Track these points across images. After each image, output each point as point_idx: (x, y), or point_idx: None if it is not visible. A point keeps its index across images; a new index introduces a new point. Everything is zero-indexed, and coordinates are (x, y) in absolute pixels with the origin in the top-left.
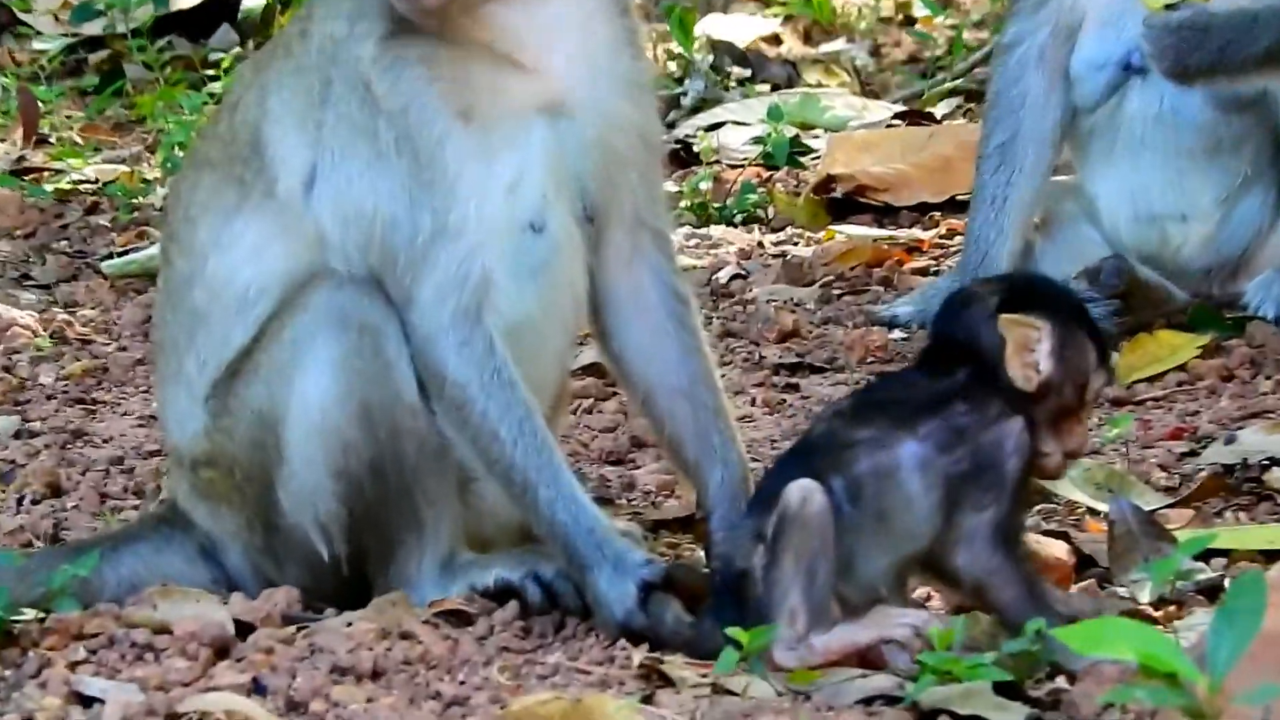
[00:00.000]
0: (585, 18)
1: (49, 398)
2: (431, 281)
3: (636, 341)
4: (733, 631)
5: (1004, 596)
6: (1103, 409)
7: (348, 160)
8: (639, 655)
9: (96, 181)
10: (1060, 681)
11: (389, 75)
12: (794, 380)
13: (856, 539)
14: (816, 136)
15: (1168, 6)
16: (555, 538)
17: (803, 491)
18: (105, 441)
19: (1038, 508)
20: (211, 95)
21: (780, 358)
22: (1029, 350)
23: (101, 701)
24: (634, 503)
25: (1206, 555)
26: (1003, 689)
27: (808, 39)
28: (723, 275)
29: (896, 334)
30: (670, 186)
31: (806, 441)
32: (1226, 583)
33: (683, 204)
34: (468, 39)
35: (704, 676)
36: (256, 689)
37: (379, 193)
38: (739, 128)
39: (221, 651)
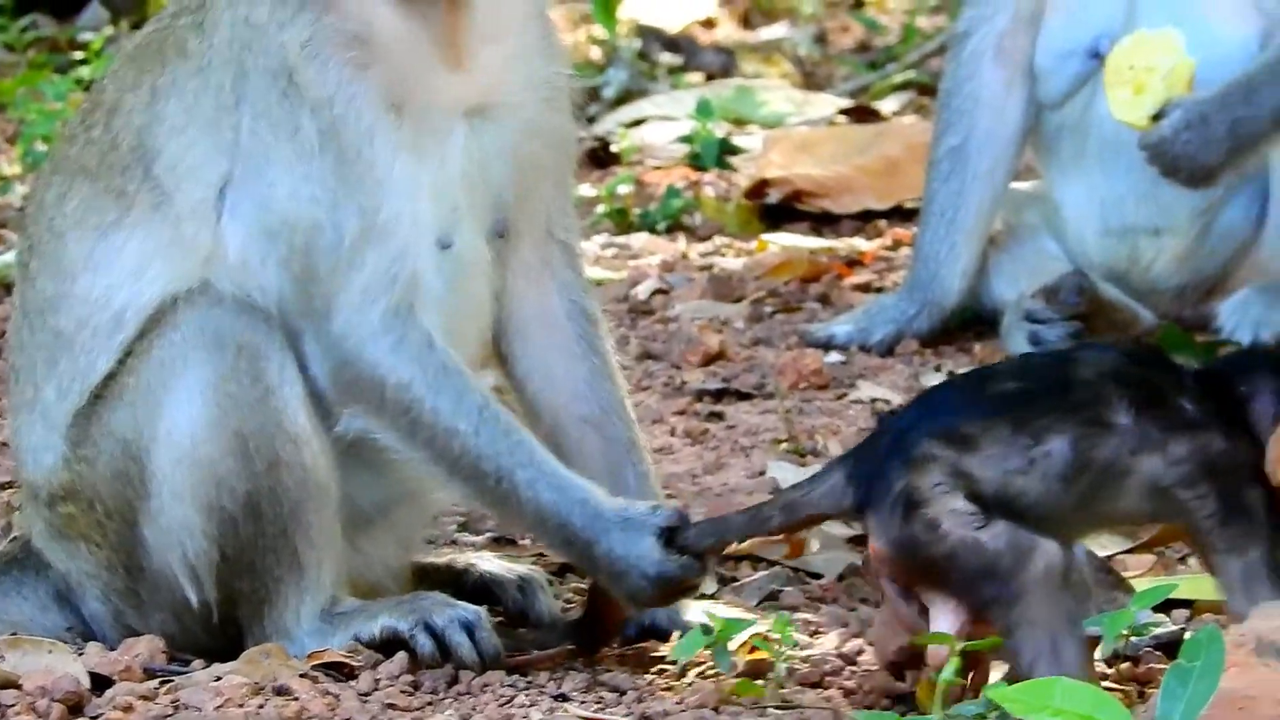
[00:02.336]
0: (516, 17)
1: None
2: (357, 284)
3: (542, 366)
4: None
5: None
6: None
7: (270, 165)
8: (538, 714)
9: None
10: None
11: (316, 62)
12: (718, 408)
13: (1037, 503)
14: (750, 134)
15: (1155, 118)
16: (546, 521)
17: (1050, 562)
18: None
19: None
20: (79, 81)
21: (704, 383)
22: None
23: None
24: (538, 544)
25: (1167, 606)
26: None
27: (746, 23)
28: (642, 290)
29: (833, 357)
30: (586, 190)
31: (1067, 376)
32: (1188, 637)
33: (600, 209)
34: (399, 30)
35: None
36: None
37: (299, 197)
38: (665, 123)
39: (75, 708)
